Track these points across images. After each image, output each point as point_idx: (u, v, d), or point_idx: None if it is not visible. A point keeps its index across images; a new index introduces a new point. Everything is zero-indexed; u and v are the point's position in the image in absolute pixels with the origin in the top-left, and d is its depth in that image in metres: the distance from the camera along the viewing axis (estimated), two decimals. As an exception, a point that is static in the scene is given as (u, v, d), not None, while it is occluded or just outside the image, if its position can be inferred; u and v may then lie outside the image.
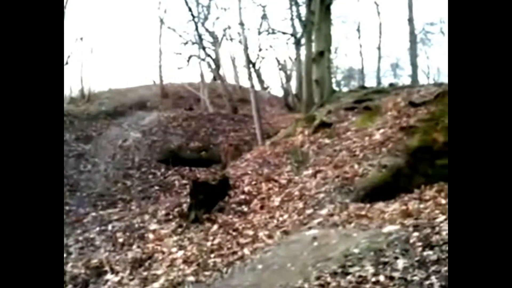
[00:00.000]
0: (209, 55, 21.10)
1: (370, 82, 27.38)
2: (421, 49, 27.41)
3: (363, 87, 13.89)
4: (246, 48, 14.57)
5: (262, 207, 6.78)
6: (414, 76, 21.64)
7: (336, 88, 22.04)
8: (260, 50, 24.30)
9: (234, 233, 6.00)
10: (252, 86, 13.80)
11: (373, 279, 3.38)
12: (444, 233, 3.62)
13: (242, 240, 5.67)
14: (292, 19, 21.61)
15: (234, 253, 5.32)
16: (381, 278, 3.37)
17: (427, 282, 3.11)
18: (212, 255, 5.38)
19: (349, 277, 3.50)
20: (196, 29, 19.61)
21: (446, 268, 3.14)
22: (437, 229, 3.79)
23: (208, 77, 23.66)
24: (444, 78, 24.56)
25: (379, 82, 25.88)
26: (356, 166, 6.84)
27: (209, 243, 5.82)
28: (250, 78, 13.94)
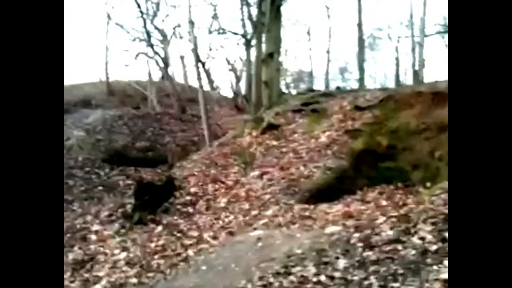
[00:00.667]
0: (157, 53, 20.75)
1: (319, 85, 27.95)
2: (369, 54, 28.26)
3: (311, 90, 14.18)
4: (195, 47, 14.48)
5: (208, 208, 6.75)
6: (361, 80, 22.23)
7: (285, 90, 22.36)
8: (210, 49, 24.16)
9: (178, 235, 5.95)
10: (201, 86, 13.72)
11: (315, 279, 3.45)
12: (384, 234, 3.76)
13: (186, 242, 5.63)
14: (243, 19, 21.66)
15: (178, 254, 5.28)
16: (322, 278, 3.44)
17: (366, 282, 3.20)
18: (156, 257, 5.31)
19: (291, 277, 3.55)
20: (145, 26, 19.24)
21: (384, 268, 3.25)
22: (377, 230, 3.92)
23: (156, 75, 23.25)
24: (390, 83, 25.50)
25: (327, 85, 26.43)
26: (302, 168, 6.96)
27: (153, 245, 5.74)
28: (199, 77, 13.87)
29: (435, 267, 3.04)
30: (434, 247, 3.26)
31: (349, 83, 29.64)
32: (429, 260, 3.15)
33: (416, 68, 21.20)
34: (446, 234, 3.32)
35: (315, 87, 22.58)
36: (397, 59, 25.27)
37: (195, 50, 14.34)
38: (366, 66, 24.21)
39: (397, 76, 25.13)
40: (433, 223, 3.57)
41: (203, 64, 21.80)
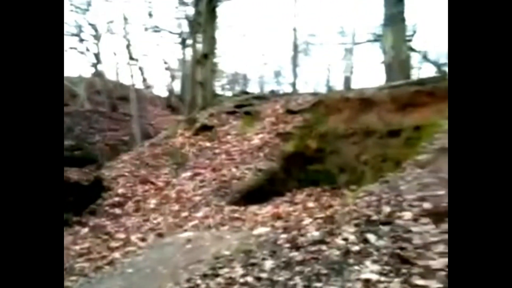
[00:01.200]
0: (88, 49, 20.01)
1: (254, 87, 28.20)
2: (303, 59, 28.90)
3: (245, 92, 14.25)
4: (128, 44, 14.13)
5: (136, 210, 6.60)
6: (294, 84, 22.71)
7: (220, 92, 22.35)
8: (145, 47, 23.70)
9: (105, 237, 5.76)
10: (133, 84, 13.46)
11: (242, 280, 3.47)
12: (309, 235, 3.86)
13: (113, 244, 5.46)
14: (179, 18, 21.43)
15: (104, 257, 5.10)
16: (249, 279, 3.46)
17: (292, 282, 3.27)
18: (80, 260, 5.10)
19: (218, 279, 3.55)
20: (76, 20, 18.51)
21: (309, 268, 3.34)
22: (303, 231, 4.01)
23: (87, 71, 22.41)
24: (322, 88, 26.19)
25: (262, 88, 26.75)
26: (233, 170, 6.99)
27: (77, 247, 5.51)
28: (131, 75, 13.55)
29: (356, 267, 3.16)
30: (356, 248, 3.39)
31: (283, 86, 30.21)
32: (351, 261, 3.27)
33: (346, 74, 22.01)
34: (368, 235, 3.47)
35: (249, 90, 22.75)
36: (329, 65, 26.07)
37: (128, 47, 13.99)
38: (299, 70, 24.77)
39: (328, 81, 25.92)
40: (356, 225, 3.71)
41: (137, 62, 21.31)
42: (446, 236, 3.09)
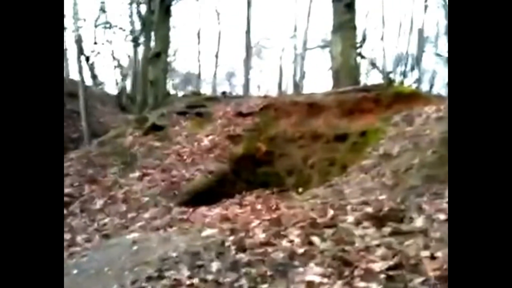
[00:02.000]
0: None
1: (206, 88, 28.09)
2: (255, 62, 29.09)
3: (197, 93, 14.17)
4: (79, 40, 13.68)
5: (82, 210, 6.41)
6: (246, 87, 22.83)
7: (173, 92, 22.09)
8: (95, 43, 23.01)
9: (48, 238, 5.56)
10: (82, 81, 13.02)
11: (188, 282, 3.45)
12: (256, 237, 3.90)
13: (56, 245, 5.29)
14: (131, 16, 21.01)
15: (47, 259, 4.93)
16: (195, 280, 3.45)
17: (237, 284, 3.29)
18: (20, 262, 4.90)
19: (164, 281, 3.52)
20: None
21: (255, 270, 3.37)
22: (250, 233, 4.05)
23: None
24: (273, 92, 26.45)
25: (214, 89, 26.68)
26: (183, 171, 6.94)
27: (17, 249, 5.29)
28: (80, 71, 13.12)
29: (301, 269, 3.23)
30: (301, 250, 3.46)
31: (236, 88, 30.29)
32: (296, 262, 3.33)
33: (297, 78, 22.35)
34: (313, 238, 3.55)
35: (202, 90, 22.66)
36: (280, 68, 26.36)
37: (77, 43, 13.54)
38: (252, 73, 24.90)
39: (280, 85, 26.23)
40: (301, 227, 3.79)
41: (87, 58, 20.68)
42: (386, 240, 3.21)
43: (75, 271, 4.25)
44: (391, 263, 2.83)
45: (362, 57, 16.01)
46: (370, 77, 23.42)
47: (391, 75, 19.72)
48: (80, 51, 13.62)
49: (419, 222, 3.20)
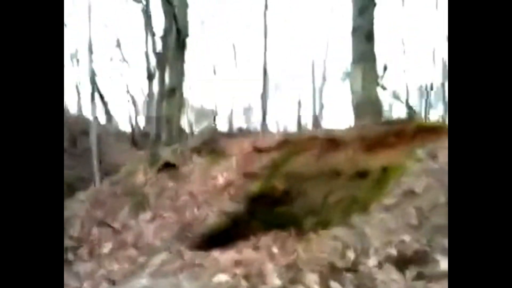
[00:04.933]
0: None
1: (222, 123, 28.31)
2: (273, 95, 29.28)
3: (212, 129, 14.27)
4: (93, 75, 14.02)
5: (90, 255, 6.41)
6: (264, 122, 22.88)
7: (188, 127, 22.34)
8: (109, 80, 23.66)
9: (54, 285, 5.54)
10: (95, 118, 13.27)
11: (198, 333, 3.39)
12: (270, 283, 3.81)
13: (62, 292, 5.26)
14: (146, 51, 21.57)
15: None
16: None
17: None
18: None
19: (172, 332, 3.46)
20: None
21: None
22: (264, 278, 3.97)
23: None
24: (291, 127, 26.48)
25: (230, 124, 26.85)
26: (196, 211, 6.90)
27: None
28: (94, 108, 13.40)
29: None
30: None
31: (253, 124, 30.40)
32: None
33: (316, 112, 22.38)
34: (332, 283, 3.46)
35: (218, 126, 22.83)
36: (299, 103, 26.41)
37: (92, 78, 13.88)
38: (270, 107, 25.01)
39: (299, 120, 26.24)
40: (319, 272, 3.70)
41: (100, 95, 21.19)
42: (410, 283, 3.11)
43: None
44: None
45: (384, 88, 15.98)
46: (393, 111, 23.35)
47: (415, 108, 19.60)
48: (94, 88, 13.93)
49: (444, 264, 3.09)
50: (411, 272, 3.18)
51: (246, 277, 4.17)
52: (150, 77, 21.32)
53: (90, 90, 14.04)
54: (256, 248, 5.54)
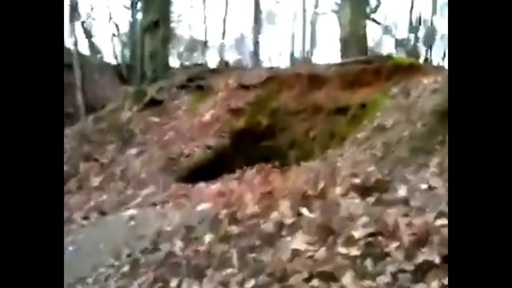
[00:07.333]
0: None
1: (213, 56, 28.19)
2: (266, 28, 28.99)
3: (198, 64, 14.37)
4: (74, 3, 13.73)
5: (79, 188, 6.91)
6: (255, 55, 22.86)
7: (177, 60, 22.25)
8: (92, 9, 23.27)
9: (46, 215, 6.06)
10: (77, 51, 13.22)
11: (181, 253, 3.94)
12: (248, 210, 4.34)
13: (54, 223, 5.78)
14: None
15: (45, 235, 5.43)
16: (188, 252, 3.94)
17: (228, 254, 3.76)
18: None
19: (158, 253, 4.01)
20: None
21: (245, 241, 3.82)
22: (243, 206, 4.49)
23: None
24: (285, 61, 26.43)
25: (222, 57, 26.71)
26: (182, 146, 7.36)
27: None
28: (75, 40, 13.29)
29: (288, 239, 3.67)
30: (289, 221, 3.90)
31: (244, 56, 30.20)
32: (284, 233, 3.78)
33: (307, 47, 22.38)
34: (301, 209, 3.99)
35: (209, 58, 22.80)
36: (292, 36, 26.21)
37: (74, 6, 13.59)
38: (262, 40, 24.86)
39: (292, 54, 26.17)
40: (292, 199, 4.22)
41: (82, 24, 20.87)
42: (369, 209, 3.63)
43: (71, 248, 4.78)
44: (371, 230, 3.24)
45: (378, 23, 16.03)
46: (383, 45, 23.34)
47: (404, 43, 19.66)
48: (72, 16, 13.60)
49: (402, 192, 3.61)
50: (371, 199, 3.70)
51: (227, 205, 4.69)
52: (134, 7, 20.89)
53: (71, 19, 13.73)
54: (239, 180, 6.06)
